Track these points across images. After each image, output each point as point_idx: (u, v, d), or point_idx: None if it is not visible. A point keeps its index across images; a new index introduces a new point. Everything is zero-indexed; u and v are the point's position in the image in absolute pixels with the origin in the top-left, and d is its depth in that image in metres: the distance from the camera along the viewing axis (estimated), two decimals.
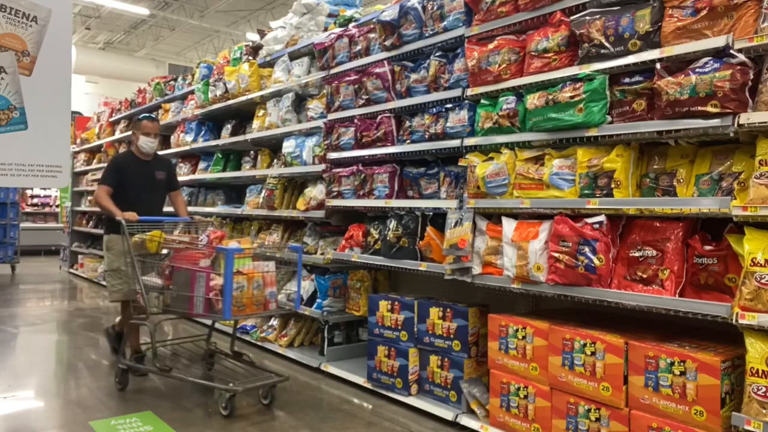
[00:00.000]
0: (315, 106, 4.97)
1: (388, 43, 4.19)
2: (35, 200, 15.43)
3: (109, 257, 4.58)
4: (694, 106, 2.51)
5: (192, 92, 7.10)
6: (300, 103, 5.35)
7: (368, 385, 4.04)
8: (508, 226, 3.23)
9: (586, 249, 2.84)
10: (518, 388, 3.12)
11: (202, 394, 4.05)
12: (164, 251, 4.01)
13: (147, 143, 4.62)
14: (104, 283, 9.51)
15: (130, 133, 8.98)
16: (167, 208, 4.96)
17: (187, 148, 7.10)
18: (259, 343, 5.29)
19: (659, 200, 2.71)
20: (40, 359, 5.11)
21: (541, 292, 3.09)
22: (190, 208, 7.08)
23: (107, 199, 4.39)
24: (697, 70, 2.52)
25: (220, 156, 6.59)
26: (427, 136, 3.87)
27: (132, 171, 4.60)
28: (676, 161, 2.78)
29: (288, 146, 5.17)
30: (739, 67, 2.41)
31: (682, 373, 2.48)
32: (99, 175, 10.28)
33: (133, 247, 3.96)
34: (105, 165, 9.55)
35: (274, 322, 5.34)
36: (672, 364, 2.51)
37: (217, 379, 4.03)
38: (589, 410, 2.80)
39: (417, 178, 4.04)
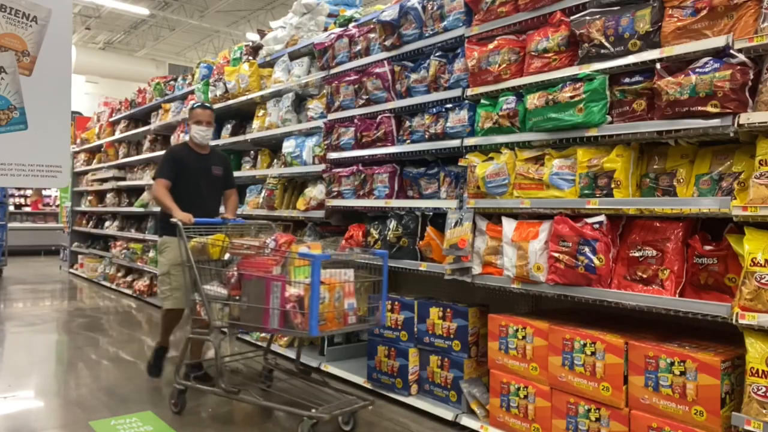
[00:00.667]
0: (315, 106, 4.97)
1: (388, 43, 4.19)
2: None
3: (160, 260, 4.28)
4: (694, 106, 2.51)
5: (192, 92, 7.10)
6: (300, 103, 5.36)
7: (368, 385, 4.04)
8: (508, 226, 3.23)
9: (586, 249, 2.84)
10: (518, 388, 3.12)
11: (203, 395, 4.05)
12: (226, 257, 3.59)
13: (198, 132, 4.26)
14: (104, 283, 9.55)
15: (131, 132, 9.04)
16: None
17: None
18: (259, 343, 5.28)
19: (659, 200, 2.71)
20: (40, 359, 5.11)
21: (541, 292, 3.09)
22: None
23: (167, 195, 4.02)
24: (697, 70, 2.52)
25: None
26: (427, 136, 3.87)
27: (188, 164, 4.21)
28: (676, 161, 2.78)
29: (288, 146, 5.17)
30: (739, 67, 2.41)
31: (682, 373, 2.48)
32: (99, 175, 10.33)
33: (192, 252, 3.56)
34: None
35: None
36: (672, 364, 2.51)
37: (290, 402, 3.39)
38: (589, 410, 2.80)
39: (417, 178, 4.04)
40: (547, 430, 2.97)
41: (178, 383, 3.72)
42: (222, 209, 4.61)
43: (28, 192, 15.23)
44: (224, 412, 3.73)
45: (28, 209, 15.20)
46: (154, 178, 4.17)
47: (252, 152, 6.11)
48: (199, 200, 4.12)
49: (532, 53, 3.21)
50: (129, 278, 8.79)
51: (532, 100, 3.13)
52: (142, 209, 8.41)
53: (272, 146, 5.82)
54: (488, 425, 3.26)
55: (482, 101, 3.49)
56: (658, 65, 2.66)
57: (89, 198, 10.94)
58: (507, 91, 3.35)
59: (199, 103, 4.43)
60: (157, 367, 4.43)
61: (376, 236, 4.15)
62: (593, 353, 2.78)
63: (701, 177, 2.66)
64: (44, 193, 15.59)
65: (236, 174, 6.18)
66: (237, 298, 3.37)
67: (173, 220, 3.71)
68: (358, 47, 4.55)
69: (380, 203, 4.15)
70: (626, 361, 2.68)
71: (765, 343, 2.29)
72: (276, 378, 4.12)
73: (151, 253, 7.97)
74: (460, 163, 3.58)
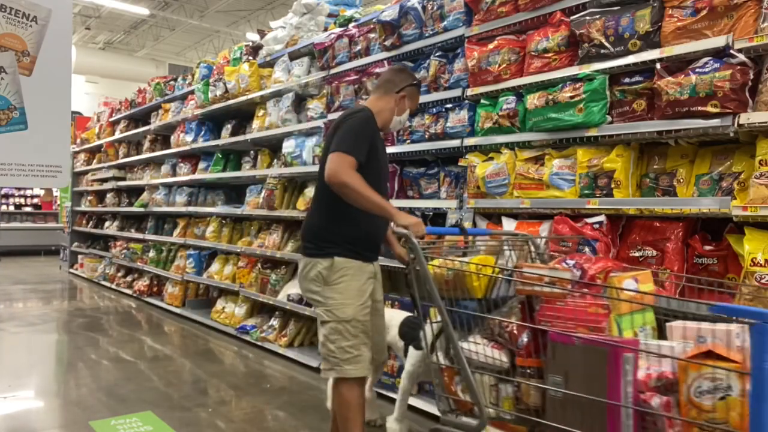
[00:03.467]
0: (315, 106, 4.98)
1: (388, 43, 4.19)
2: (35, 200, 15.46)
3: (333, 297, 2.59)
4: (694, 106, 2.51)
5: (192, 92, 7.11)
6: (300, 103, 5.36)
7: None
8: (508, 226, 3.23)
9: (586, 249, 2.84)
10: None
11: (202, 393, 4.05)
12: (497, 293, 2.22)
13: (403, 122, 2.86)
14: (104, 283, 9.52)
15: (131, 132, 9.00)
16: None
17: (187, 148, 7.10)
18: (259, 343, 5.29)
19: (659, 200, 2.71)
20: (40, 359, 5.11)
21: None
22: (190, 208, 7.11)
23: (366, 186, 2.45)
24: (697, 70, 2.52)
25: (220, 156, 6.59)
26: (427, 136, 3.87)
27: (378, 150, 2.70)
28: (676, 161, 2.78)
29: (288, 146, 5.17)
30: (739, 67, 2.41)
31: None
32: (99, 175, 10.29)
33: (436, 285, 2.15)
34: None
35: (274, 322, 5.34)
36: None
37: None
38: None
39: (417, 178, 4.04)
40: None
41: None
42: None
43: (29, 192, 15.23)
44: (224, 411, 3.73)
45: (28, 209, 15.20)
46: (332, 151, 2.50)
47: (252, 152, 6.11)
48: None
49: (532, 53, 3.21)
50: (129, 278, 8.79)
51: (532, 100, 3.13)
52: (142, 209, 8.41)
53: (272, 146, 5.82)
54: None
55: (482, 101, 3.49)
56: (658, 65, 2.66)
57: (89, 198, 10.93)
58: (507, 91, 3.35)
59: (418, 81, 2.90)
60: None
61: None
62: None
63: (701, 177, 2.66)
64: (43, 193, 15.59)
65: (236, 174, 6.22)
66: (529, 371, 1.96)
67: (399, 230, 2.32)
68: (358, 47, 4.55)
69: None
70: None
71: None
72: None
73: (151, 253, 7.98)
74: (460, 163, 3.58)
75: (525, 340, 1.96)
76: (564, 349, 1.80)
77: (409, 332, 3.16)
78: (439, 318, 2.16)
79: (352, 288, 2.60)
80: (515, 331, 1.98)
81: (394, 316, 3.33)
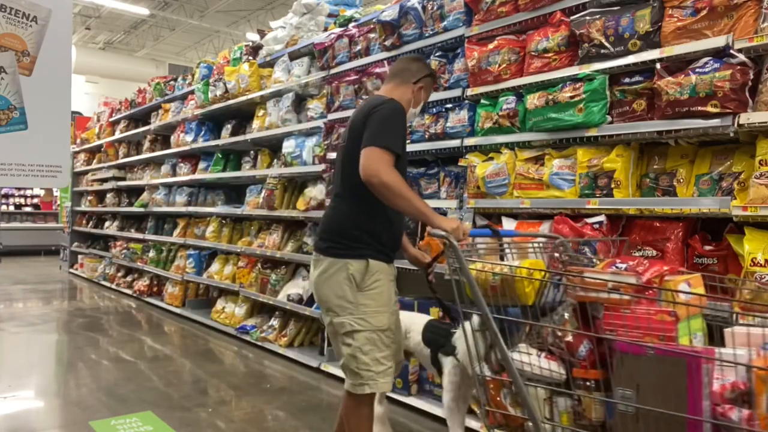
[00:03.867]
0: (315, 106, 4.98)
1: (388, 43, 4.19)
2: (35, 200, 15.46)
3: (366, 303, 2.37)
4: (694, 106, 2.51)
5: (192, 92, 7.11)
6: (300, 103, 5.36)
7: None
8: (508, 226, 3.23)
9: (586, 249, 2.84)
10: None
11: (202, 393, 4.05)
12: (547, 298, 2.06)
13: (416, 114, 2.70)
14: (104, 283, 9.53)
15: (131, 132, 9.01)
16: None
17: (187, 148, 7.11)
18: (259, 343, 5.29)
19: (659, 200, 2.71)
20: (40, 359, 5.11)
21: None
22: (190, 208, 7.11)
23: (407, 187, 2.28)
24: (697, 70, 2.52)
25: (220, 156, 6.59)
26: (427, 136, 3.87)
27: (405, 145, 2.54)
28: (676, 161, 2.78)
29: (288, 146, 5.17)
30: (739, 67, 2.41)
31: None
32: (99, 175, 10.29)
33: (481, 291, 1.98)
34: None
35: (274, 321, 5.34)
36: None
37: None
38: None
39: (417, 178, 4.04)
40: None
41: None
42: None
43: (29, 192, 15.24)
44: (224, 411, 3.73)
45: (28, 209, 15.20)
46: (367, 145, 2.27)
47: (252, 152, 6.11)
48: None
49: (532, 53, 3.21)
50: (129, 278, 8.79)
51: (532, 100, 3.13)
52: (142, 209, 8.41)
53: (272, 146, 5.82)
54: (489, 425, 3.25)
55: (482, 101, 3.49)
56: (658, 65, 2.66)
57: (89, 198, 10.94)
58: (507, 91, 3.35)
59: (433, 71, 2.71)
60: None
61: None
62: None
63: (701, 177, 2.66)
64: (42, 193, 15.60)
65: (236, 174, 6.22)
66: (590, 383, 1.81)
67: (438, 232, 2.11)
68: (358, 47, 4.55)
69: None
70: None
71: None
72: None
73: (151, 253, 7.98)
74: (460, 163, 3.58)
75: (584, 350, 1.81)
76: (635, 360, 1.65)
77: (435, 338, 2.93)
78: (478, 326, 2.04)
79: (385, 293, 2.41)
80: (572, 341, 1.83)
81: (415, 321, 3.09)
